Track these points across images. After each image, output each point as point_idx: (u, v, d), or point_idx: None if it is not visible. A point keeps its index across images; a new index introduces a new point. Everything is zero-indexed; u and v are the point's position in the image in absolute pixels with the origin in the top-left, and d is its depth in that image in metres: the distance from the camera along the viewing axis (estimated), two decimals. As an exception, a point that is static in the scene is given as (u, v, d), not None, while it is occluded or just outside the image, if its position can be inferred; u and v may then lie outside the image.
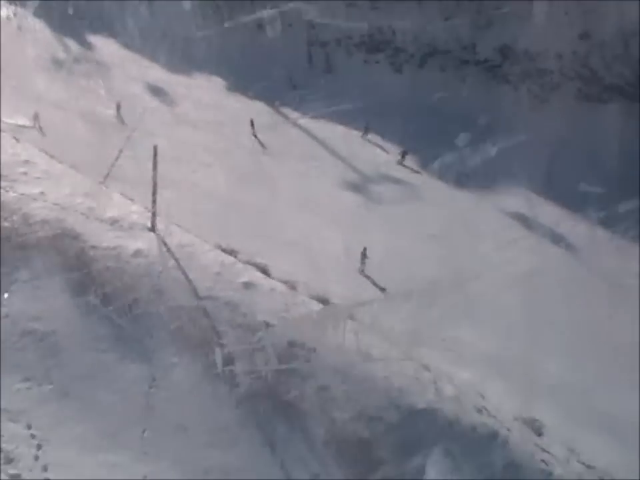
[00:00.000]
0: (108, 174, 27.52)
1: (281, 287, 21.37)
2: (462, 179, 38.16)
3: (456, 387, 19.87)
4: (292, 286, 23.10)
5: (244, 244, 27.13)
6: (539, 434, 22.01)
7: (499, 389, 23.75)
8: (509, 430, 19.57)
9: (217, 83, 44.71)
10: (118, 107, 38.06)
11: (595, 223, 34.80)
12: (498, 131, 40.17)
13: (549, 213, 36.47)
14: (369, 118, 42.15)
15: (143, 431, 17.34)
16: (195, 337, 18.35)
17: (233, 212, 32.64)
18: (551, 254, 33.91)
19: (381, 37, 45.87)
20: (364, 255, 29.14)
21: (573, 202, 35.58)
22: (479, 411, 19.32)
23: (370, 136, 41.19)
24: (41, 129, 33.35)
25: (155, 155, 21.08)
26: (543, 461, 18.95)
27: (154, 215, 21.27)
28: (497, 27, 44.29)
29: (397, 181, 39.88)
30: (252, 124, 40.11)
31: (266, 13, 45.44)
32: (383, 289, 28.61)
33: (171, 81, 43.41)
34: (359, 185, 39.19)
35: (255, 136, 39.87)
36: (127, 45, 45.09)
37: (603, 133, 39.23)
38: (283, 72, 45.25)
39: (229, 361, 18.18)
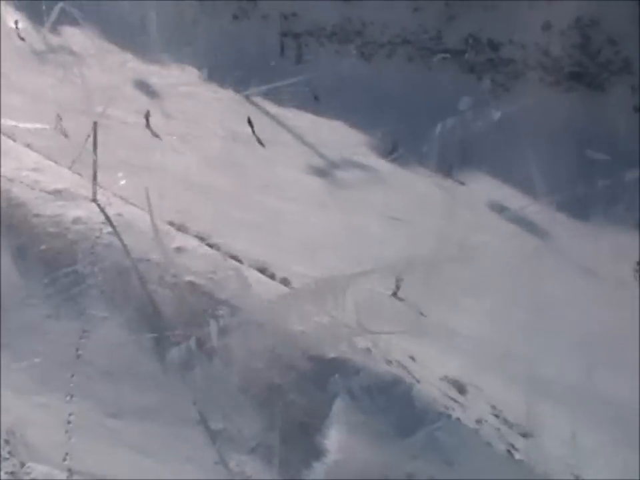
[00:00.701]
0: (77, 158, 29.29)
1: (212, 252, 23.28)
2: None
3: (371, 342, 21.77)
4: (234, 256, 24.93)
5: (200, 222, 29.00)
6: (462, 392, 23.96)
7: (435, 354, 25.82)
8: (417, 381, 21.46)
9: (192, 73, 46.64)
10: (147, 117, 39.82)
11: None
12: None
13: (520, 200, 38.41)
14: (365, 118, 44.03)
15: (72, 376, 19.31)
16: (126, 294, 20.26)
17: (198, 195, 34.59)
18: (511, 236, 35.84)
19: (351, 28, 47.77)
20: (399, 283, 29.61)
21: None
22: (389, 362, 21.22)
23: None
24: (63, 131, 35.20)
25: (95, 129, 23.04)
26: (445, 406, 20.80)
27: (95, 186, 23.21)
28: (463, 18, 46.23)
29: (362, 167, 41.78)
30: (249, 122, 41.75)
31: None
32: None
33: (146, 70, 45.40)
34: (325, 170, 41.12)
35: (254, 133, 41.52)
36: (105, 36, 47.09)
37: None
38: (256, 62, 47.07)
39: (157, 315, 20.12)
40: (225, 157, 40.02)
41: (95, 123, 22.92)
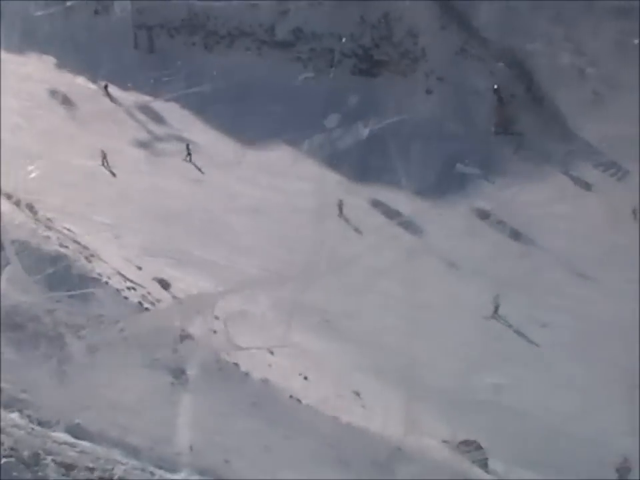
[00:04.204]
0: None
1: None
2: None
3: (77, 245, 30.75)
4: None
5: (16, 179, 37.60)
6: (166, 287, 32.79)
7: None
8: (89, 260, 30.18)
9: (48, 61, 55.32)
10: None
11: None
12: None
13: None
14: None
15: None
16: None
17: (28, 161, 42.97)
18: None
19: (197, 22, 56.77)
20: None
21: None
22: (64, 246, 30.03)
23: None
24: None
25: None
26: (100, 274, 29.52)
27: None
28: (292, 13, 55.17)
29: (183, 140, 50.33)
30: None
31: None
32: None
33: (5, 58, 53.96)
34: (148, 143, 49.88)
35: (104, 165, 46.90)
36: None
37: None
38: (111, 52, 55.70)
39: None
40: (61, 131, 48.55)
41: None
